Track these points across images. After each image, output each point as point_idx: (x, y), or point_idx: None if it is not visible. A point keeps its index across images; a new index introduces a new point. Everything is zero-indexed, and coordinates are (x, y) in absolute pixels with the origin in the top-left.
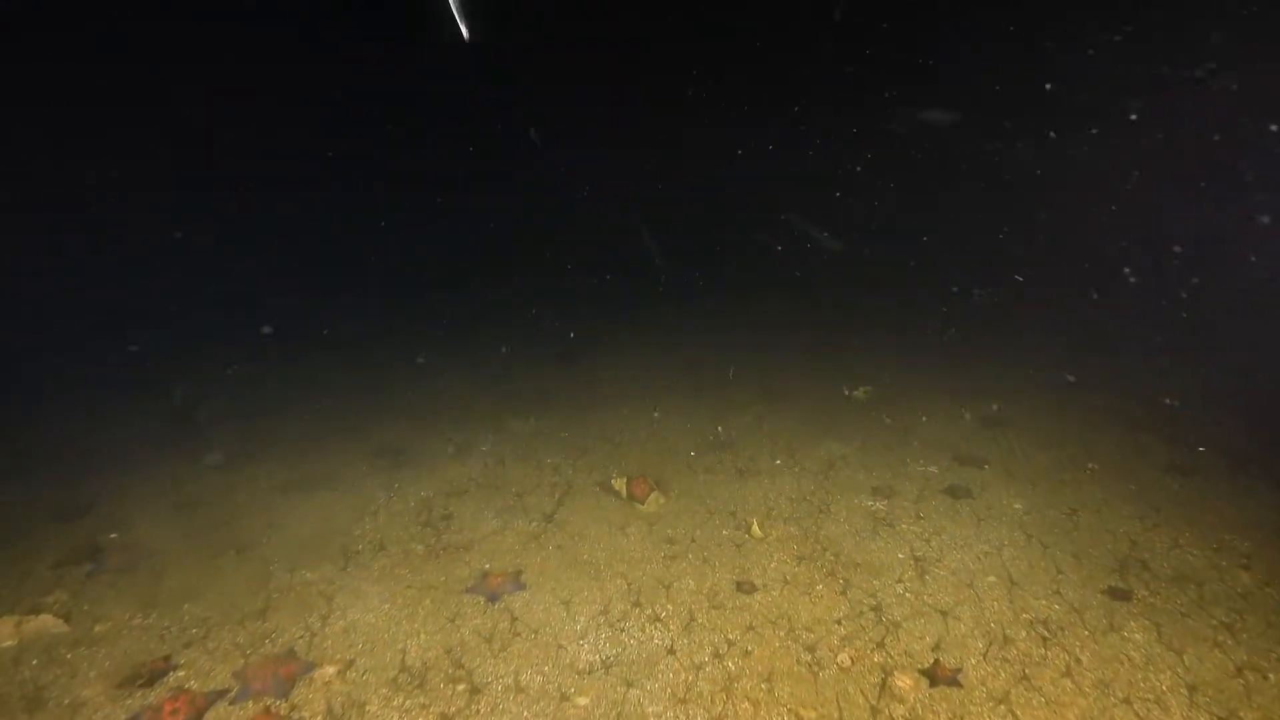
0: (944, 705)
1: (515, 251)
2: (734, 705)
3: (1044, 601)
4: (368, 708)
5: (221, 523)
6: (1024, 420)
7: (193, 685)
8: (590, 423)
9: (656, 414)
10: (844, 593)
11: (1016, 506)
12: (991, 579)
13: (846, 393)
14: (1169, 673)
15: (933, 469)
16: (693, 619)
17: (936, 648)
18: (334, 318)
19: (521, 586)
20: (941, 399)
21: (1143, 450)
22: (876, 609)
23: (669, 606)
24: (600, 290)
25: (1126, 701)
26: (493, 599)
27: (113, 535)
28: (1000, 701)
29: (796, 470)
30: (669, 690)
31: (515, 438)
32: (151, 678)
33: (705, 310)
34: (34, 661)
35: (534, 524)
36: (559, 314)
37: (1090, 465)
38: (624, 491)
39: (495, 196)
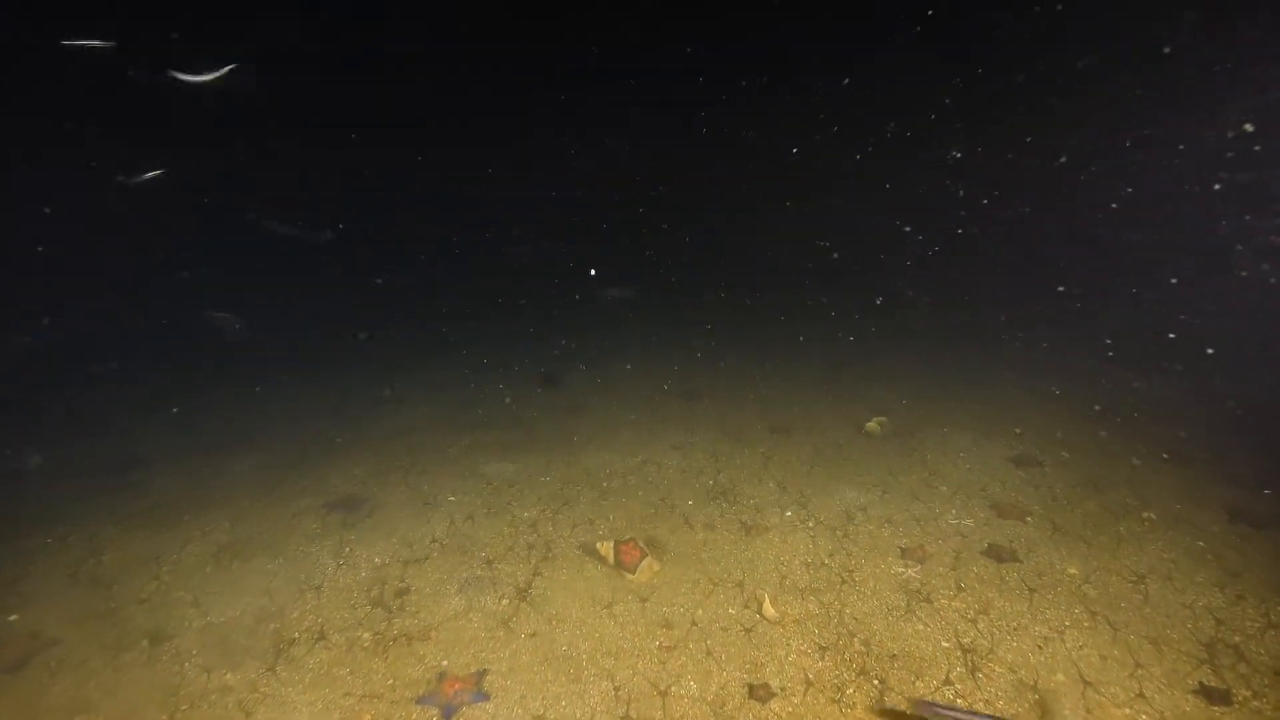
0: None
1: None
2: None
3: (1127, 711)
4: None
5: (139, 600)
6: (1059, 456)
7: None
8: (575, 464)
9: (643, 459)
10: (881, 696)
11: (1072, 572)
12: (1059, 678)
13: (861, 426)
14: None
15: (968, 522)
16: None
17: None
18: (307, 337)
19: (484, 696)
20: (965, 430)
21: (1200, 493)
22: None
23: None
24: (593, 309)
25: None
26: (448, 714)
27: (12, 618)
28: None
29: (811, 525)
30: None
31: (489, 484)
32: None
33: (704, 332)
34: None
35: (504, 602)
36: (548, 329)
37: (1146, 515)
38: (611, 558)
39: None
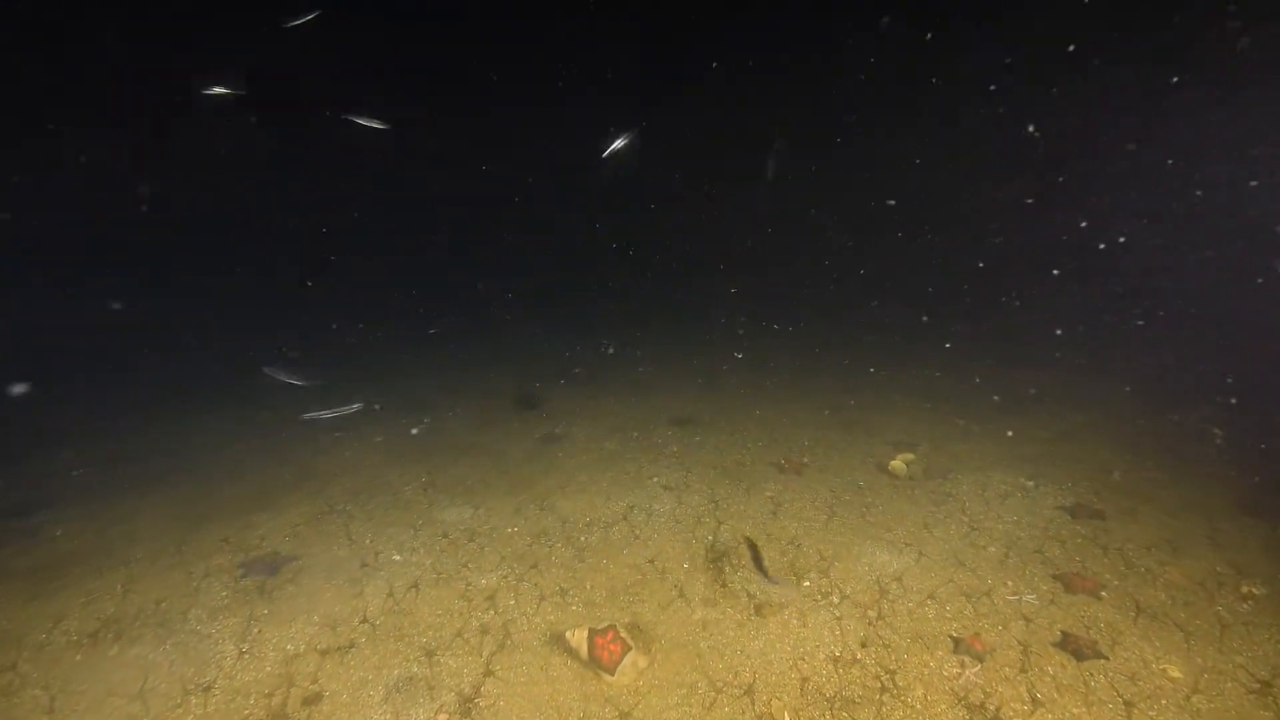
0: None
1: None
2: None
3: None
4: None
5: None
6: (1121, 503)
7: None
8: (549, 510)
9: (630, 503)
10: None
11: (1175, 676)
12: None
13: (884, 464)
14: None
15: (1029, 598)
16: None
17: None
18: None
19: None
20: (1004, 469)
21: None
22: None
23: None
24: (584, 320)
25: None
26: None
27: None
28: None
29: (836, 601)
30: None
31: (444, 536)
32: None
33: (705, 351)
34: None
35: (442, 717)
36: (528, 343)
37: (1246, 589)
38: (584, 651)
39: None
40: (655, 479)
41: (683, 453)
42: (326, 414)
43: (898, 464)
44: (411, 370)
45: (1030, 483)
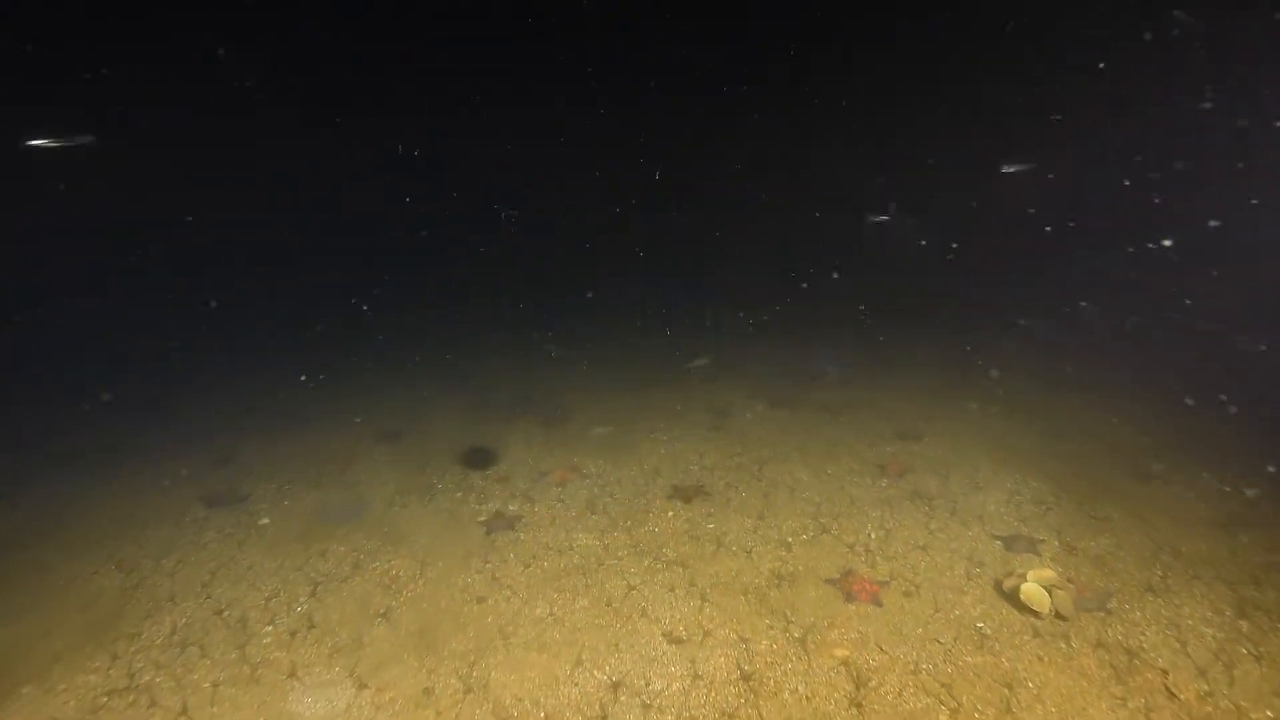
0: None
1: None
2: None
3: None
4: None
5: None
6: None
7: None
8: (477, 694)
9: (612, 675)
10: None
11: None
12: None
13: (1004, 583)
14: None
15: None
16: None
17: None
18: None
19: None
20: (1201, 602)
21: None
22: None
23: None
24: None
25: None
26: None
27: None
28: None
29: None
30: None
31: None
32: None
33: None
34: None
35: None
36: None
37: None
38: None
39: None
40: (653, 617)
41: (692, 557)
42: None
43: (1032, 590)
44: (345, 397)
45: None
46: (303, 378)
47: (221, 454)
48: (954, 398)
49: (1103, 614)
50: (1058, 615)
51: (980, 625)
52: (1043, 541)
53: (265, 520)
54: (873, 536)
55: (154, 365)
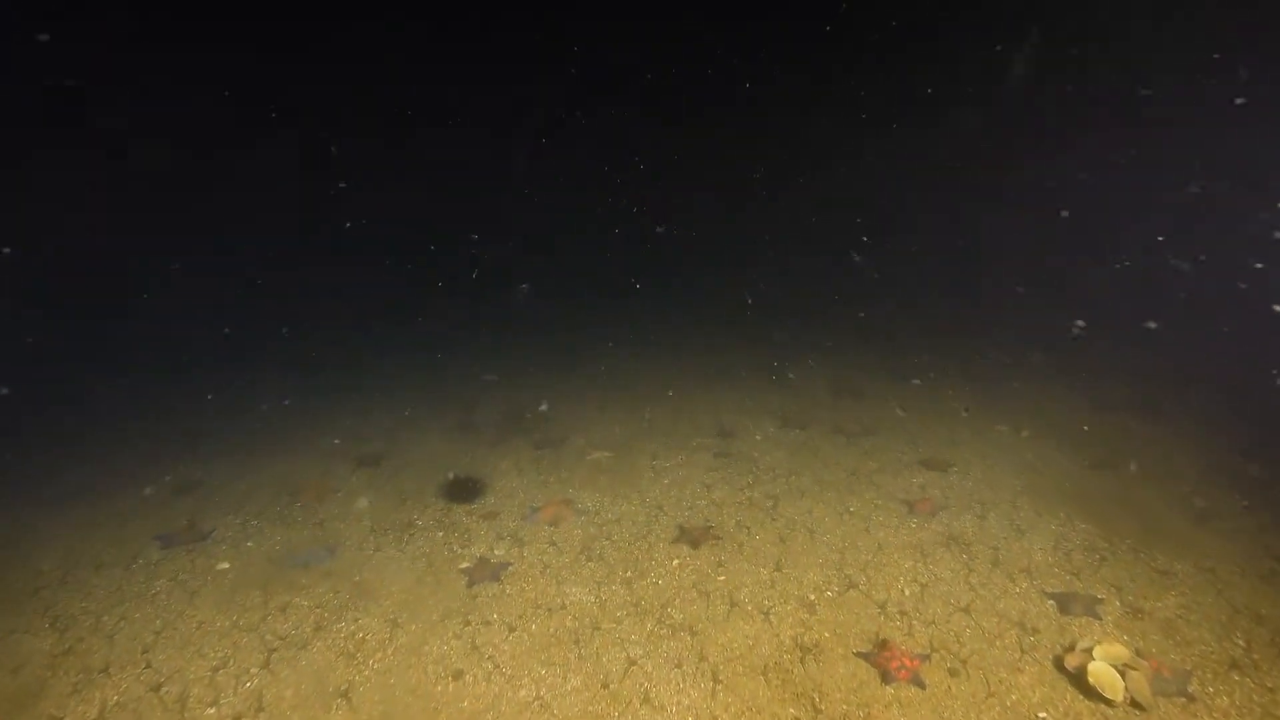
0: None
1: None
2: None
3: None
4: None
5: None
6: None
7: None
8: None
9: None
10: None
11: None
12: None
13: (1062, 656)
14: None
15: None
16: None
17: None
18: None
19: None
20: None
21: None
22: None
23: None
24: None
25: None
26: None
27: None
28: None
29: None
30: None
31: None
32: None
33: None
34: None
35: None
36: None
37: None
38: None
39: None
40: (657, 704)
41: (702, 620)
42: None
43: (1103, 672)
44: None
45: None
46: (285, 401)
47: (186, 480)
48: (979, 418)
49: (1184, 700)
50: (1134, 704)
51: (1043, 716)
52: (1101, 601)
53: (224, 565)
54: (906, 593)
55: (121, 380)
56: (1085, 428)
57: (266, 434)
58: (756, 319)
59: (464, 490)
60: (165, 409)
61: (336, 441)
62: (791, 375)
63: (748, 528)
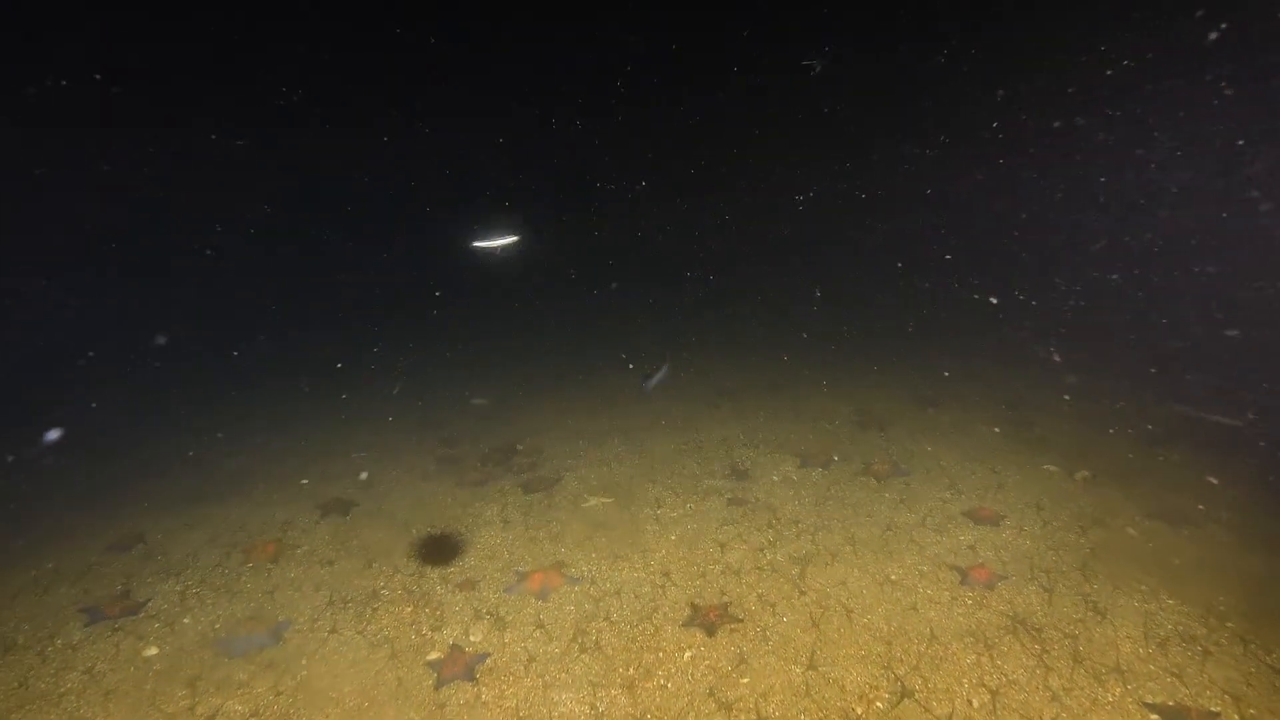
0: None
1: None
2: None
3: None
4: None
5: None
6: None
7: None
8: None
9: None
10: None
11: None
12: None
13: None
14: None
15: None
16: None
17: None
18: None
19: None
20: None
21: None
22: None
23: None
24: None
25: None
26: None
27: None
28: None
29: None
30: None
31: None
32: None
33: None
34: None
35: None
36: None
37: None
38: None
39: None
40: None
41: None
42: None
43: None
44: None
45: None
46: (260, 440)
47: (126, 534)
48: (1023, 455)
49: None
50: None
51: None
52: (1218, 717)
53: (152, 650)
54: (975, 704)
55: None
56: (1146, 467)
57: (231, 477)
58: (765, 347)
59: (440, 549)
60: (110, 438)
61: (305, 482)
62: (806, 402)
63: (772, 605)
